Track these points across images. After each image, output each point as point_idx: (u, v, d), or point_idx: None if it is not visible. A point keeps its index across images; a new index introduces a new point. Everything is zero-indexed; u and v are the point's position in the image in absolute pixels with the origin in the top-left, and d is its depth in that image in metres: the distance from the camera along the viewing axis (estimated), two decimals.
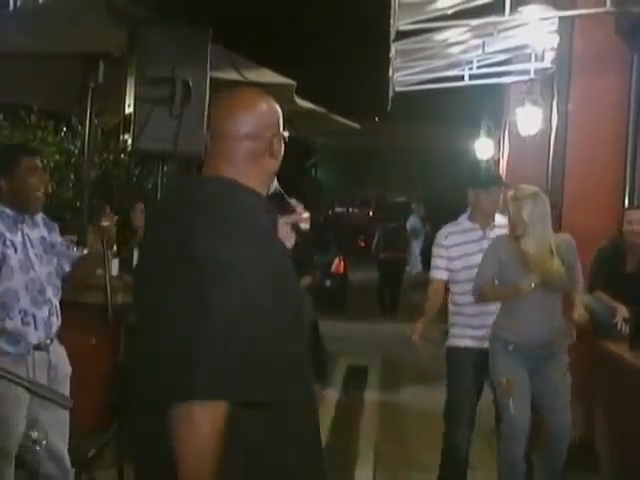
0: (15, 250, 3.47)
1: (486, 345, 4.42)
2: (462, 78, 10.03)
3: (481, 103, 14.76)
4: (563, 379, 4.34)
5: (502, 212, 4.60)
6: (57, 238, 3.74)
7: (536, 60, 9.36)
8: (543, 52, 9.14)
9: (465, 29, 8.24)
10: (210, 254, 1.88)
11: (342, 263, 13.71)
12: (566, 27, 7.65)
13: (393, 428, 6.70)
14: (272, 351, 1.91)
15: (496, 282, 4.35)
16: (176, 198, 2.18)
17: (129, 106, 4.72)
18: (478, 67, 9.83)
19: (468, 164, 15.55)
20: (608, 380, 5.01)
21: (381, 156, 29.01)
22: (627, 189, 7.01)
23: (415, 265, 15.57)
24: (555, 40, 8.18)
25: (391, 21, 6.87)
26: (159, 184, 4.99)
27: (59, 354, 3.65)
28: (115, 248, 5.56)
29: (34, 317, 3.48)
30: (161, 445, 1.90)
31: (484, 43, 8.83)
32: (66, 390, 3.59)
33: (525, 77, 9.78)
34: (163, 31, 4.62)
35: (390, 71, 9.15)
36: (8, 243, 3.46)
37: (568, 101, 7.61)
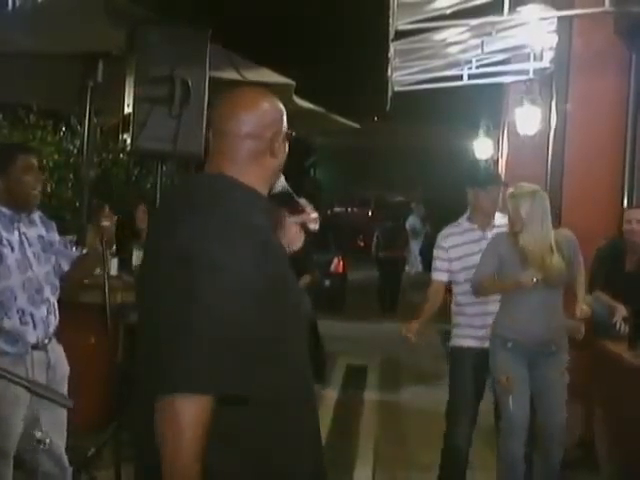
0: (12, 249, 3.46)
1: (487, 345, 4.43)
2: (461, 78, 10.03)
3: (480, 103, 14.75)
4: (560, 379, 4.35)
5: (502, 211, 4.61)
6: (55, 237, 3.74)
7: (535, 60, 9.37)
8: (542, 52, 9.14)
9: (464, 29, 8.25)
10: (201, 252, 1.89)
11: (341, 263, 13.71)
12: (565, 27, 7.65)
13: (392, 428, 6.70)
14: (259, 349, 1.92)
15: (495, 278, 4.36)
16: (176, 196, 2.20)
17: (128, 106, 4.72)
18: (477, 67, 9.84)
19: (467, 164, 15.55)
20: (607, 380, 5.02)
21: (380, 156, 29.01)
22: (626, 188, 7.02)
23: (415, 265, 15.57)
24: (554, 40, 8.18)
25: (390, 21, 6.87)
26: (158, 184, 4.99)
27: (57, 354, 3.65)
28: (114, 248, 5.57)
29: (32, 316, 3.48)
30: (154, 442, 1.91)
31: (483, 43, 8.83)
32: (64, 390, 3.59)
33: (524, 77, 9.79)
34: (162, 31, 4.62)
35: (389, 71, 9.16)
36: (5, 242, 3.45)
37: (567, 101, 7.62)
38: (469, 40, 8.86)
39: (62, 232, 3.92)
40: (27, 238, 3.56)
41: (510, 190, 4.39)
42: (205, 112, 4.53)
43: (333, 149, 28.86)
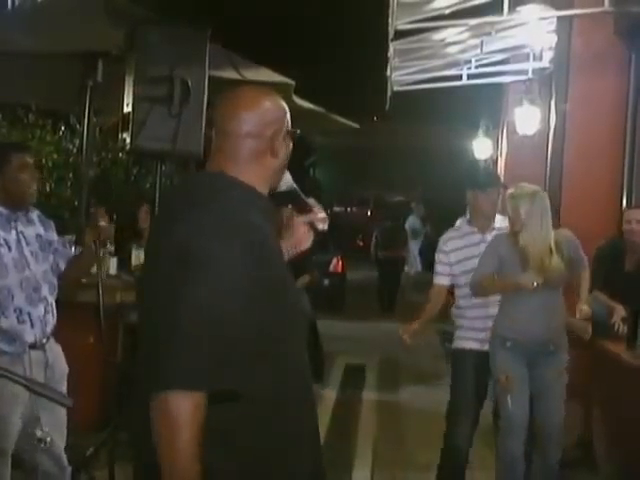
0: (9, 248, 3.46)
1: (488, 347, 4.44)
2: (460, 78, 10.03)
3: (479, 103, 14.75)
4: (558, 379, 4.35)
5: (502, 214, 4.60)
6: (53, 236, 3.74)
7: (534, 60, 9.37)
8: (541, 52, 9.14)
9: (463, 29, 8.25)
10: (194, 250, 1.90)
11: (340, 262, 13.71)
12: (564, 27, 7.65)
13: (391, 427, 6.70)
14: (250, 347, 1.92)
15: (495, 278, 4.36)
16: (175, 195, 2.21)
17: (128, 105, 4.73)
18: (476, 67, 9.84)
19: (466, 164, 15.54)
20: (606, 380, 5.02)
21: (379, 156, 29.01)
22: (625, 188, 7.02)
23: (414, 265, 15.55)
24: (553, 40, 8.18)
25: (389, 20, 6.87)
26: (157, 183, 4.99)
27: (56, 353, 3.65)
28: (109, 246, 5.57)
29: (29, 315, 3.48)
30: (152, 442, 1.91)
31: (482, 43, 8.83)
32: (64, 389, 3.59)
33: (523, 77, 9.79)
34: (162, 30, 4.62)
35: (388, 70, 9.16)
36: (2, 241, 3.45)
37: (566, 101, 7.62)
38: (468, 40, 8.86)
39: (61, 231, 3.93)
40: (25, 237, 3.56)
41: (510, 191, 4.39)
42: (204, 112, 4.53)
43: (333, 149, 28.85)
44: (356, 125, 8.66)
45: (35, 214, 3.71)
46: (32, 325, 3.49)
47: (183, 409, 1.82)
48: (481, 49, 8.99)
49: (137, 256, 6.12)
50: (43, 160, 7.31)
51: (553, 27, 7.97)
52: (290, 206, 2.39)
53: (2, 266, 3.42)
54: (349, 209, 29.72)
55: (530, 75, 9.56)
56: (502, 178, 8.73)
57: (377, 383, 8.40)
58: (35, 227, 3.66)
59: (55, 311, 3.65)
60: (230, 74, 5.62)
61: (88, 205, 5.40)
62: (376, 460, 5.71)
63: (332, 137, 24.44)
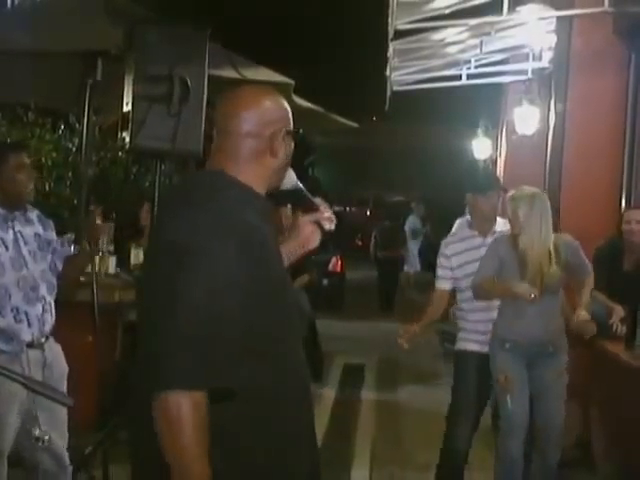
0: (6, 248, 3.47)
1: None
2: (460, 77, 10.04)
3: (479, 103, 14.75)
4: (558, 380, 4.34)
5: (503, 217, 4.60)
6: (52, 235, 3.74)
7: (534, 60, 9.37)
8: (541, 52, 9.15)
9: (463, 28, 8.25)
10: (189, 249, 1.90)
11: (340, 262, 13.72)
12: (564, 27, 7.65)
13: (390, 427, 6.70)
14: (245, 345, 1.93)
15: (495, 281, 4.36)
16: (174, 194, 2.21)
17: (127, 104, 4.72)
18: (476, 67, 9.85)
19: (466, 166, 15.55)
20: (605, 380, 5.02)
21: (379, 155, 29.01)
22: (624, 188, 7.03)
23: (414, 265, 15.53)
24: (553, 40, 8.18)
25: (389, 20, 6.88)
26: (157, 182, 4.99)
27: (55, 352, 3.65)
28: (106, 245, 5.57)
29: (27, 314, 3.48)
30: (151, 441, 1.91)
31: (482, 42, 8.84)
32: (63, 389, 3.59)
33: (523, 77, 9.79)
34: (161, 30, 4.62)
35: (388, 70, 9.16)
36: None
37: (566, 101, 7.62)
38: (468, 40, 8.87)
39: (60, 230, 3.93)
40: (23, 236, 3.56)
41: (510, 193, 4.39)
42: (204, 111, 4.53)
43: (332, 148, 28.86)
44: (355, 125, 8.66)
45: (34, 214, 3.71)
46: (29, 324, 3.48)
47: (184, 408, 1.82)
48: (480, 49, 9.00)
49: (136, 255, 6.13)
50: (42, 159, 7.32)
51: (553, 27, 7.98)
52: (290, 205, 2.39)
53: None
54: (348, 209, 29.74)
55: (529, 75, 9.57)
56: (501, 178, 8.76)
57: (376, 383, 8.40)
58: (34, 227, 3.66)
59: (54, 310, 3.65)
60: (229, 73, 5.62)
61: (87, 204, 5.41)
62: (375, 459, 5.71)
63: (332, 137, 24.44)
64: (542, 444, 4.36)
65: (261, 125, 2.09)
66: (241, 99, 2.13)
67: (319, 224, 2.36)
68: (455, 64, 9.90)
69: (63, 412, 3.57)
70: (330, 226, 2.36)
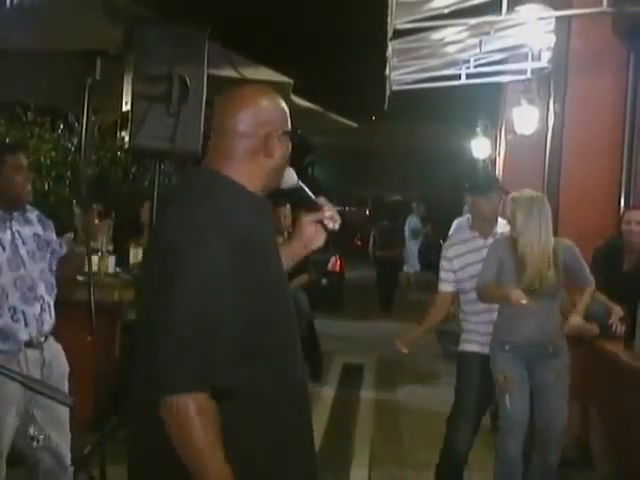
0: (3, 248, 3.47)
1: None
2: (459, 77, 10.05)
3: (478, 102, 14.76)
4: (558, 380, 4.34)
5: (504, 218, 4.59)
6: (52, 236, 3.74)
7: (533, 60, 9.38)
8: (540, 52, 9.16)
9: (462, 28, 8.26)
10: (179, 249, 1.90)
11: (339, 262, 13.72)
12: (563, 27, 7.66)
13: (389, 426, 6.70)
14: (239, 345, 1.93)
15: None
16: (170, 194, 2.22)
17: (126, 103, 4.72)
18: (475, 66, 9.86)
19: (465, 167, 15.54)
20: (604, 379, 5.03)
21: (378, 155, 29.01)
22: (623, 188, 7.03)
23: (414, 265, 15.52)
24: (552, 40, 8.19)
25: (388, 20, 6.88)
26: (156, 182, 4.99)
27: (55, 352, 3.64)
28: (104, 244, 5.57)
29: (24, 314, 3.47)
30: (148, 441, 1.91)
31: (481, 42, 8.84)
32: (64, 388, 3.59)
33: (522, 76, 9.80)
34: (161, 29, 4.61)
35: (387, 70, 9.16)
36: None
37: (565, 100, 7.63)
38: (467, 39, 8.87)
39: (59, 230, 3.93)
40: (21, 236, 3.56)
41: (511, 195, 4.39)
42: (203, 110, 4.53)
43: (331, 148, 28.85)
44: (355, 124, 8.66)
45: (34, 214, 3.71)
46: (26, 324, 3.48)
47: (190, 411, 1.84)
48: (480, 49, 9.00)
49: (135, 254, 6.13)
50: (41, 158, 7.32)
51: (552, 27, 7.99)
52: (289, 205, 2.39)
53: None
54: (348, 208, 29.75)
55: (529, 75, 9.57)
56: (500, 178, 8.76)
57: (375, 382, 8.40)
58: (33, 227, 3.65)
59: (53, 310, 3.64)
60: (229, 72, 5.62)
61: (87, 203, 5.40)
62: (374, 459, 5.71)
63: (331, 136, 24.42)
64: (543, 444, 4.36)
65: (256, 125, 2.08)
66: (237, 99, 2.13)
67: (322, 223, 2.35)
68: (454, 64, 9.91)
69: (64, 412, 3.56)
70: (334, 225, 2.35)
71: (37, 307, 3.53)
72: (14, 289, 3.45)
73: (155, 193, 4.85)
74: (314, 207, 2.34)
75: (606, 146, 7.31)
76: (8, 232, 3.52)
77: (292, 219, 6.53)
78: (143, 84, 4.52)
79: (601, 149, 7.35)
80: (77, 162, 6.66)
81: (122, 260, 6.10)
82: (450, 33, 8.57)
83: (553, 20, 7.77)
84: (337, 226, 2.35)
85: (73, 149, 7.74)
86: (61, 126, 8.11)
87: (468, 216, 4.84)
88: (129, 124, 4.61)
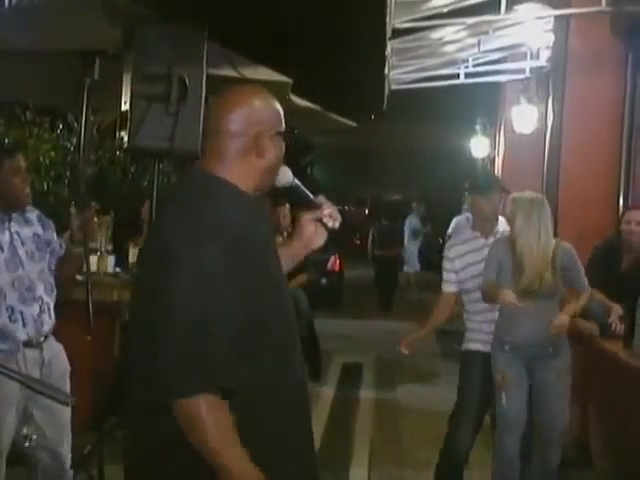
0: (1, 249, 3.47)
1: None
2: (458, 76, 10.06)
3: (476, 101, 14.75)
4: (559, 380, 4.34)
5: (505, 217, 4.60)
6: (52, 236, 3.74)
7: (532, 59, 9.39)
8: (538, 51, 9.17)
9: (461, 27, 8.27)
10: (173, 251, 1.91)
11: (338, 261, 13.72)
12: (562, 26, 7.67)
13: (388, 426, 6.70)
14: (235, 345, 1.93)
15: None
16: (169, 192, 2.23)
17: (125, 103, 4.71)
18: (474, 65, 9.87)
19: (465, 166, 15.53)
20: (603, 378, 5.03)
21: (377, 154, 28.97)
22: (622, 187, 7.04)
23: (414, 265, 15.51)
24: (550, 39, 8.20)
25: (387, 19, 6.88)
26: (155, 181, 4.99)
27: (55, 352, 3.64)
28: (103, 244, 5.56)
29: (22, 314, 3.47)
30: (146, 441, 1.92)
31: (480, 41, 8.85)
32: (65, 388, 3.59)
33: (521, 76, 9.80)
34: (160, 29, 4.61)
35: (386, 69, 9.16)
36: None
37: (563, 100, 7.63)
38: (466, 39, 8.88)
39: (58, 230, 3.92)
40: (20, 237, 3.56)
41: (511, 195, 4.40)
42: (202, 110, 4.53)
43: (330, 148, 28.82)
44: (354, 124, 8.66)
45: (34, 214, 3.71)
46: (24, 324, 3.48)
47: (201, 412, 1.85)
48: (478, 48, 9.01)
49: (134, 254, 6.13)
50: (41, 158, 7.32)
51: (550, 26, 7.99)
52: (288, 205, 2.38)
53: None
54: (347, 208, 29.75)
55: (527, 74, 9.58)
56: (500, 179, 8.75)
57: (374, 381, 8.40)
58: (33, 227, 3.65)
59: (53, 310, 3.64)
60: (228, 72, 5.62)
61: (86, 202, 5.40)
62: (373, 458, 5.72)
63: (330, 136, 24.36)
64: (544, 444, 4.36)
65: (247, 124, 2.08)
66: (230, 99, 2.13)
67: (322, 222, 2.35)
68: (453, 63, 9.92)
69: (65, 411, 3.56)
70: (334, 224, 2.34)
71: (36, 307, 3.53)
72: (12, 289, 3.45)
73: (154, 193, 4.85)
74: (313, 206, 2.34)
75: (605, 145, 7.31)
76: (7, 233, 3.52)
77: (291, 219, 6.54)
78: (142, 84, 4.52)
79: (600, 148, 7.35)
80: (76, 162, 6.66)
81: (121, 260, 6.10)
82: (449, 32, 8.58)
83: (552, 19, 7.79)
84: (337, 224, 2.34)
85: (72, 149, 7.73)
86: (60, 126, 8.10)
87: (467, 215, 4.84)
88: (128, 124, 4.61)
